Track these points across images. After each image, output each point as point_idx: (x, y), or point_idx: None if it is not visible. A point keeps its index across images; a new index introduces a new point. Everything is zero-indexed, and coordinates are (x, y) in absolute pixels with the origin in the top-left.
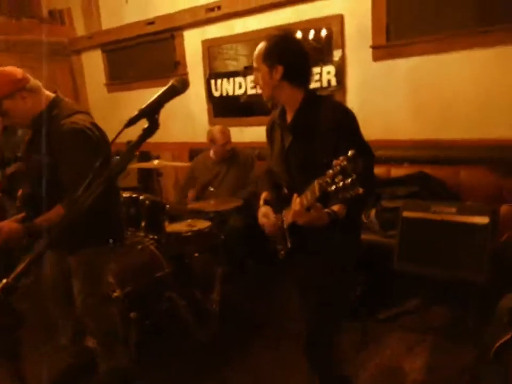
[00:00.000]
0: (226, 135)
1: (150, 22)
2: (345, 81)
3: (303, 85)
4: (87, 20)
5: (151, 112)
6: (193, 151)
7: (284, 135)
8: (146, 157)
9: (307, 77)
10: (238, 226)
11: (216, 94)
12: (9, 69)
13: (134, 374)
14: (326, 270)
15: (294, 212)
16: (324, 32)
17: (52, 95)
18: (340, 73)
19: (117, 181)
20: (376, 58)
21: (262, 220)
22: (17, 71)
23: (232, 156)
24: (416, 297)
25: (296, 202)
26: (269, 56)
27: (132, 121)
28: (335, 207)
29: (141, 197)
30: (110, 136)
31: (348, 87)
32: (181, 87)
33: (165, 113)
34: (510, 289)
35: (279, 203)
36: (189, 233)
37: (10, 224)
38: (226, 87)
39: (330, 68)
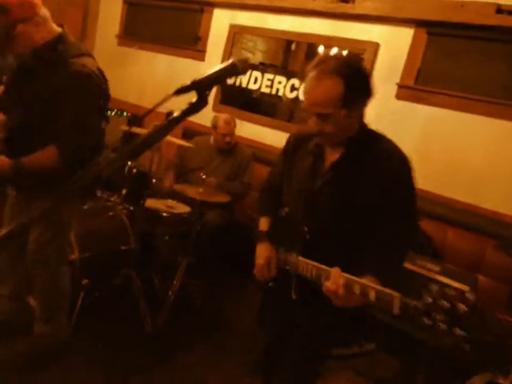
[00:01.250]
0: (230, 126)
1: None
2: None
3: (361, 118)
4: None
5: (204, 87)
6: (187, 131)
7: (317, 165)
8: (138, 121)
9: (364, 109)
10: (215, 222)
11: (229, 81)
12: None
13: (67, 347)
14: (327, 333)
15: (337, 292)
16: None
17: (58, 29)
18: None
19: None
20: (399, 96)
21: (260, 261)
22: None
23: (232, 149)
24: (373, 342)
25: (340, 282)
26: (350, 99)
27: (181, 91)
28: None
29: (129, 163)
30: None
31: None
32: (242, 69)
33: (171, 82)
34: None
35: (279, 231)
36: (166, 214)
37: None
38: (242, 78)
39: None
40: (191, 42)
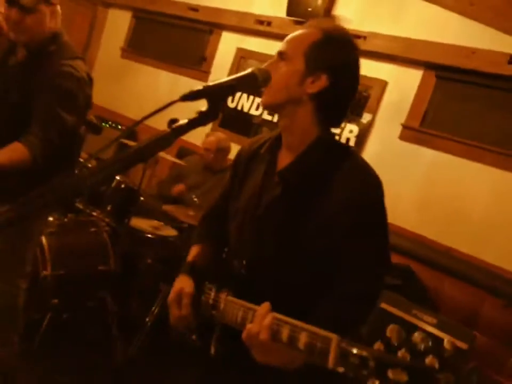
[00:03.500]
0: (214, 143)
1: (194, 8)
2: (364, 146)
3: (329, 122)
4: None
5: (217, 95)
6: (182, 150)
7: (266, 180)
8: (132, 135)
9: (342, 116)
10: None
11: (231, 105)
12: None
13: (15, 372)
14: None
15: (258, 337)
16: (362, 91)
17: (55, 27)
18: (362, 137)
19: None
20: (402, 137)
21: (172, 299)
22: None
23: (223, 171)
24: None
25: (265, 323)
26: (319, 53)
27: (189, 96)
28: None
29: (117, 177)
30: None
31: (365, 153)
32: (262, 80)
33: (170, 98)
34: None
35: (213, 272)
36: (151, 235)
37: None
38: (244, 102)
39: (354, 128)
40: (196, 62)
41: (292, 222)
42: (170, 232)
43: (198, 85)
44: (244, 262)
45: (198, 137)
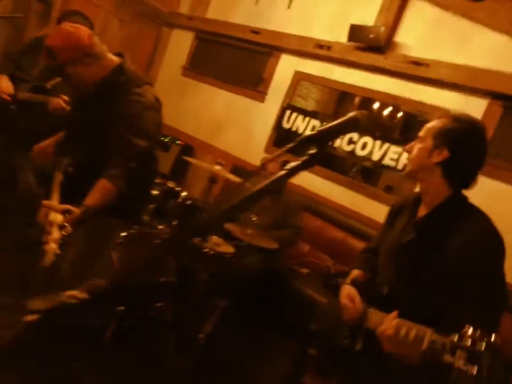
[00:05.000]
0: (276, 169)
1: (255, 31)
2: None
3: (458, 185)
4: (195, 1)
5: (325, 139)
6: (236, 168)
7: (407, 227)
8: (188, 151)
9: (469, 180)
10: (257, 268)
11: (286, 126)
12: (78, 33)
13: None
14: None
15: (385, 332)
16: (422, 117)
17: (116, 60)
18: None
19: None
20: None
21: (345, 300)
22: (84, 36)
23: (279, 191)
24: None
25: (392, 323)
26: (442, 135)
27: (305, 141)
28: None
29: (183, 194)
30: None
31: None
32: (364, 123)
33: (228, 119)
34: None
35: (366, 291)
36: (211, 252)
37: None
38: (300, 123)
39: None
40: (254, 83)
41: (420, 258)
42: (228, 249)
43: (254, 105)
44: (387, 287)
45: (251, 156)
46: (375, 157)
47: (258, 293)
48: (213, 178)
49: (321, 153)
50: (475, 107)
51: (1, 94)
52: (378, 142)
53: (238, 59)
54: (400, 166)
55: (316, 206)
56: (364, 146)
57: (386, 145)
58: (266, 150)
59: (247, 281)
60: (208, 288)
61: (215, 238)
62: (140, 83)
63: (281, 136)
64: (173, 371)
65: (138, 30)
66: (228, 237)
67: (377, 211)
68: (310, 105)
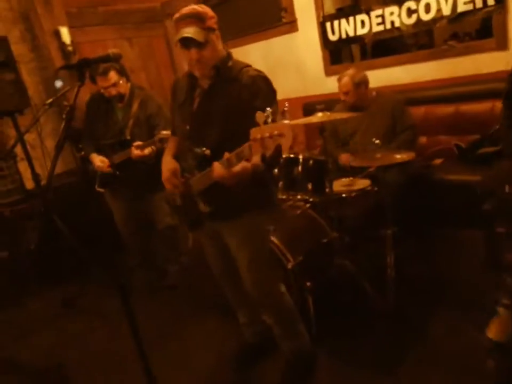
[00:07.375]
0: (349, 84)
1: None
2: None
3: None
4: None
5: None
6: (307, 106)
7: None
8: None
9: None
10: (399, 181)
11: (333, 38)
12: None
13: (316, 357)
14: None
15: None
16: None
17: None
18: None
19: None
20: None
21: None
22: None
23: (374, 101)
24: None
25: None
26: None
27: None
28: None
29: (300, 156)
30: None
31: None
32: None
33: (271, 67)
34: None
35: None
36: (346, 195)
37: None
38: (346, 28)
39: None
40: (278, 18)
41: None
42: (363, 183)
43: (291, 38)
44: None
45: (314, 87)
46: (446, 11)
47: (415, 206)
48: (321, 129)
49: None
50: None
51: (104, 170)
52: None
53: (251, 6)
54: (478, 4)
55: (411, 96)
56: (428, 8)
57: None
58: (327, 72)
59: (400, 199)
60: (365, 226)
61: (345, 180)
62: (245, 64)
63: (335, 51)
64: (384, 309)
65: (147, 38)
66: (354, 172)
67: (480, 63)
68: (345, 1)
